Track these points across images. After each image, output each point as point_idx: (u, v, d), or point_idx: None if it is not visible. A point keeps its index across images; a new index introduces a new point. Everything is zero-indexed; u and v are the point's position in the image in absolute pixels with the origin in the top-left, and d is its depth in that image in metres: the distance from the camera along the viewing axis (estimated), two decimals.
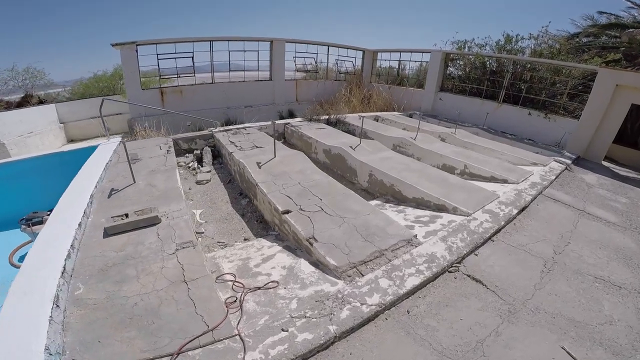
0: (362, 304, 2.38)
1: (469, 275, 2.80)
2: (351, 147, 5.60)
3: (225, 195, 5.09)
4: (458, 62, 10.62)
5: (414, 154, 6.48)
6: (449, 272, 2.82)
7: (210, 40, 10.08)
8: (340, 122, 8.14)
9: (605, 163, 7.41)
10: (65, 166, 5.57)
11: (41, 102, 13.72)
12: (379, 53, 13.09)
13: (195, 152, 6.62)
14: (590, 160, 7.38)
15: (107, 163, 5.36)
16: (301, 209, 3.57)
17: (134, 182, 4.43)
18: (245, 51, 10.44)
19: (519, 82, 9.09)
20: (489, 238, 3.37)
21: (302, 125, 7.36)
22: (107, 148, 6.19)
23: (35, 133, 11.38)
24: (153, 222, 3.45)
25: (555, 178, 5.71)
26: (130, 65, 9.78)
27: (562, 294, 2.72)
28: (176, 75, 10.48)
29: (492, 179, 5.35)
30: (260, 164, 4.73)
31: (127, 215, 3.53)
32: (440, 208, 3.97)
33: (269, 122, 7.82)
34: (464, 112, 9.84)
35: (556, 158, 6.74)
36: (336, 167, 5.85)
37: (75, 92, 14.81)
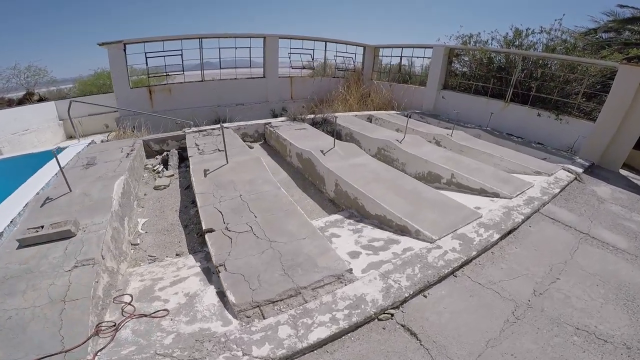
0: (244, 355, 1.86)
1: (403, 326, 2.20)
2: (322, 151, 5.02)
3: (177, 203, 4.63)
4: (463, 58, 9.77)
5: (399, 158, 5.83)
6: (379, 319, 2.23)
7: (199, 38, 9.69)
8: (327, 122, 7.55)
9: (623, 172, 6.48)
10: (32, 169, 5.30)
11: (41, 99, 13.82)
12: (380, 49, 12.35)
13: (164, 154, 6.22)
14: (606, 168, 6.47)
15: (63, 168, 5.03)
16: (227, 228, 3.07)
17: (70, 190, 4.04)
18: (236, 48, 9.99)
19: (529, 79, 8.19)
20: (450, 273, 2.73)
21: (282, 126, 6.82)
22: (73, 151, 5.90)
23: (31, 130, 11.35)
24: (65, 235, 3.12)
25: (560, 191, 4.93)
26: (118, 64, 9.53)
27: (520, 354, 2.07)
28: (165, 74, 10.18)
29: (482, 192, 4.65)
30: (207, 172, 4.24)
31: (42, 227, 3.20)
32: (403, 229, 3.36)
33: (251, 122, 7.34)
34: (468, 112, 9.02)
35: (565, 166, 5.90)
36: (307, 172, 5.30)
37: (77, 89, 14.87)
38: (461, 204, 3.84)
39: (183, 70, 10.05)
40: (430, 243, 3.08)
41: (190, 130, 6.81)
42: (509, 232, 3.63)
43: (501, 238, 3.47)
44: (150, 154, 6.59)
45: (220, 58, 9.95)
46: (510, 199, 4.40)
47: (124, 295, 2.70)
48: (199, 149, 5.34)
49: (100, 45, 9.26)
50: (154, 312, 2.39)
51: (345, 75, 12.30)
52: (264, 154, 6.48)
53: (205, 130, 6.72)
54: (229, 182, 4.00)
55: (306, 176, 5.30)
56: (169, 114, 10.00)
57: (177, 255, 3.53)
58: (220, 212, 3.38)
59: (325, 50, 11.81)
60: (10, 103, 13.74)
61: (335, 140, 5.63)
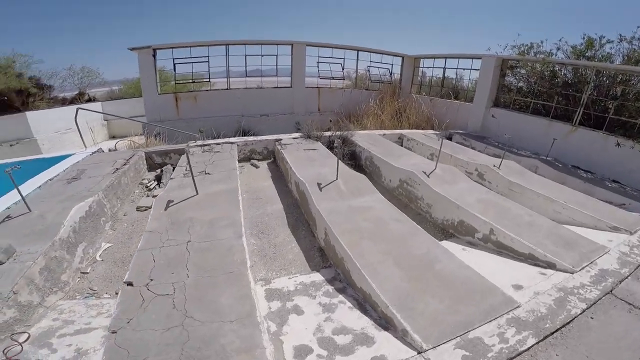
0: None
1: None
2: (319, 184, 4.07)
3: None
4: (519, 70, 8.20)
5: (423, 197, 4.67)
6: None
7: (226, 45, 9.30)
8: (348, 142, 6.56)
9: None
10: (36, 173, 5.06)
11: (89, 100, 14.57)
12: (421, 59, 11.08)
13: (159, 170, 5.72)
14: None
15: (49, 180, 4.70)
16: (148, 286, 2.39)
17: (29, 210, 3.57)
18: (262, 55, 9.45)
19: (605, 98, 6.50)
20: None
21: (291, 145, 5.99)
22: (74, 159, 5.63)
23: (74, 130, 11.86)
24: None
25: None
26: (147, 70, 9.46)
27: None
28: (191, 81, 9.96)
29: (531, 259, 3.37)
30: (170, 204, 3.52)
31: None
32: (388, 321, 2.30)
33: (261, 138, 6.62)
34: (523, 136, 7.45)
35: None
36: (303, 207, 4.38)
37: (122, 91, 15.53)
38: (490, 286, 2.65)
39: (209, 78, 9.74)
40: (417, 354, 2.00)
41: (194, 144, 6.26)
42: (555, 332, 2.40)
43: (540, 341, 2.27)
44: (152, 167, 6.15)
45: (246, 65, 9.48)
46: (572, 273, 3.09)
47: (23, 333, 2.35)
48: (185, 170, 4.69)
49: (130, 49, 9.25)
50: None
51: (380, 88, 11.20)
52: (266, 177, 5.69)
53: (208, 144, 6.13)
54: (186, 221, 3.25)
55: (302, 211, 4.39)
56: (194, 122, 9.75)
57: (115, 293, 2.94)
58: (154, 262, 2.67)
59: (357, 59, 10.84)
60: (63, 102, 14.69)
61: (343, 168, 4.67)
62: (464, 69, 9.75)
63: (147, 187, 5.35)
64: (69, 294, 3.06)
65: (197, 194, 3.69)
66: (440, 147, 5.14)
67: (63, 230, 3.27)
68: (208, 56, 9.29)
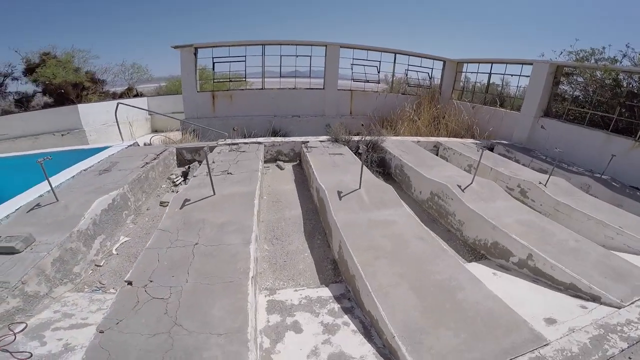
0: None
1: None
2: (339, 192, 3.83)
3: None
4: (575, 78, 7.37)
5: (455, 213, 4.26)
6: None
7: (262, 44, 9.36)
8: (378, 148, 6.26)
9: None
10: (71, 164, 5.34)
11: (137, 95, 15.47)
12: (464, 64, 10.42)
13: (187, 166, 5.80)
14: None
15: (83, 171, 4.91)
16: (146, 287, 2.33)
17: (56, 200, 3.71)
18: (297, 56, 9.39)
19: None
20: None
21: (317, 148, 5.81)
22: (110, 151, 5.88)
23: (120, 122, 12.62)
24: (8, 251, 2.81)
25: None
26: (188, 67, 9.78)
27: None
28: (228, 80, 10.14)
29: (572, 289, 2.91)
30: (187, 202, 3.47)
31: None
32: (392, 352, 2.01)
33: (288, 139, 6.51)
34: (576, 150, 6.69)
35: None
36: (322, 216, 4.17)
37: (166, 87, 16.33)
38: (517, 320, 2.25)
39: (245, 77, 9.86)
40: None
41: (223, 142, 6.30)
42: None
43: None
44: (182, 162, 6.28)
45: (280, 65, 9.47)
46: (619, 308, 2.60)
47: (21, 323, 2.38)
48: (210, 167, 4.68)
49: (174, 47, 9.61)
50: (17, 352, 2.05)
51: (418, 92, 10.69)
52: (289, 180, 5.56)
53: (236, 144, 6.13)
54: (198, 222, 3.17)
55: (321, 219, 4.18)
56: (229, 120, 9.94)
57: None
58: (158, 262, 2.62)
59: (395, 62, 10.41)
60: (114, 96, 15.74)
61: (368, 177, 4.40)
62: (512, 75, 9.00)
63: (173, 182, 5.44)
64: (79, 286, 3.12)
65: (214, 194, 3.62)
66: (480, 159, 4.68)
67: (82, 222, 3.35)
68: (245, 55, 9.41)
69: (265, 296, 2.83)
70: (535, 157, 6.92)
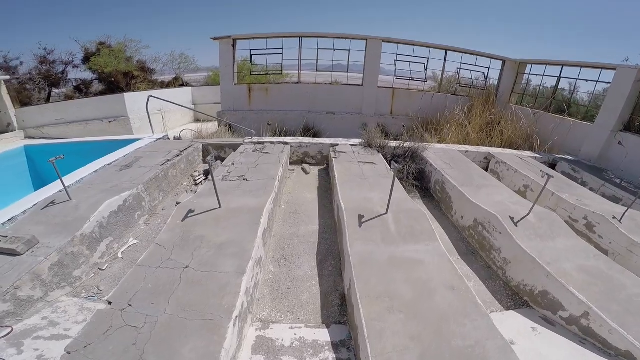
0: None
1: None
2: (361, 217, 3.31)
3: None
4: None
5: (501, 249, 3.53)
6: None
7: (300, 37, 8.94)
8: (417, 157, 5.59)
9: None
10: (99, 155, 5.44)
11: (182, 85, 15.95)
12: (527, 65, 9.15)
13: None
14: None
15: (107, 165, 4.91)
16: (123, 312, 2.16)
17: (69, 199, 3.66)
18: (335, 50, 8.84)
19: None
20: None
21: (346, 154, 5.29)
22: (138, 145, 5.89)
23: (164, 111, 13.06)
24: (10, 253, 2.77)
25: None
26: (226, 59, 9.70)
27: None
28: (265, 72, 9.91)
29: (626, 357, 2.20)
30: (190, 214, 3.18)
31: (3, 238, 2.92)
32: None
33: (316, 141, 6.07)
34: None
35: None
36: (339, 239, 3.67)
37: (210, 78, 16.63)
38: None
39: (281, 71, 9.56)
40: None
41: (250, 140, 6.04)
42: None
43: None
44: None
45: (317, 59, 9.00)
46: None
47: (7, 327, 2.35)
48: (228, 171, 4.41)
49: (212, 39, 9.57)
50: None
51: (470, 94, 9.63)
52: (313, 187, 5.13)
53: (261, 143, 5.83)
54: (196, 239, 2.86)
55: (338, 241, 3.71)
56: (263, 114, 9.76)
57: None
58: (143, 284, 2.38)
59: (445, 60, 9.43)
60: (162, 85, 16.39)
61: (399, 197, 3.81)
62: (587, 81, 7.66)
63: (195, 180, 5.30)
64: (77, 289, 3.02)
65: (220, 207, 3.31)
66: (545, 185, 3.79)
67: (87, 225, 3.23)
68: (282, 48, 9.08)
69: (257, 330, 2.49)
70: (608, 181, 5.76)
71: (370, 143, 5.67)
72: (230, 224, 3.05)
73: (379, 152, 5.52)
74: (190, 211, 3.24)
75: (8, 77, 12.49)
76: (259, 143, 5.85)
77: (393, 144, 5.75)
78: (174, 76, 16.11)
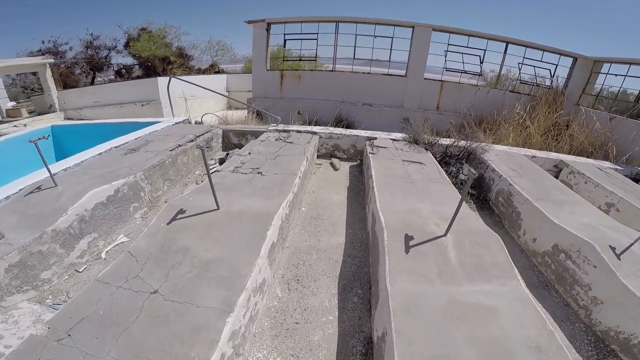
0: None
1: None
2: (409, 238, 2.36)
3: None
4: None
5: (593, 286, 2.43)
6: None
7: (336, 22, 8.01)
8: (475, 160, 4.49)
9: None
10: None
11: (218, 72, 15.61)
12: (603, 63, 7.60)
13: (226, 154, 4.90)
14: None
15: (114, 148, 4.32)
16: (59, 342, 1.48)
17: (54, 185, 3.05)
18: (375, 37, 7.80)
19: None
20: None
21: (386, 149, 4.31)
22: (155, 127, 5.32)
23: (197, 97, 12.69)
24: None
25: None
26: (259, 43, 9.01)
27: None
28: (298, 58, 9.10)
29: None
30: (179, 215, 2.40)
31: None
32: None
33: (350, 132, 5.14)
34: None
35: None
36: (373, 265, 2.73)
37: (245, 66, 16.18)
38: None
39: (316, 57, 8.70)
40: None
41: (274, 127, 5.24)
42: None
43: None
44: (228, 147, 5.45)
45: (355, 46, 8.02)
46: None
47: None
48: (241, 162, 3.62)
49: (247, 22, 8.91)
50: None
51: (532, 92, 8.21)
52: (342, 186, 4.22)
53: (287, 131, 5.00)
54: (179, 251, 2.07)
55: (370, 265, 2.77)
56: (295, 102, 8.98)
57: None
58: (94, 308, 1.65)
59: (505, 53, 8.06)
60: (199, 71, 16.17)
61: (463, 213, 2.82)
62: None
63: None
64: (44, 294, 2.41)
65: (218, 208, 2.50)
66: None
67: (63, 219, 2.58)
68: (317, 33, 8.20)
69: None
70: None
71: (416, 139, 4.64)
72: (226, 235, 2.22)
73: (427, 150, 4.48)
74: (181, 212, 2.46)
75: (53, 60, 12.75)
76: (284, 131, 5.03)
77: (445, 141, 4.68)
78: (210, 63, 15.80)
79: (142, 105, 10.89)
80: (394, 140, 4.77)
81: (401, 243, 2.29)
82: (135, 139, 4.67)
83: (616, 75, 7.64)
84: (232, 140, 5.41)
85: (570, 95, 8.12)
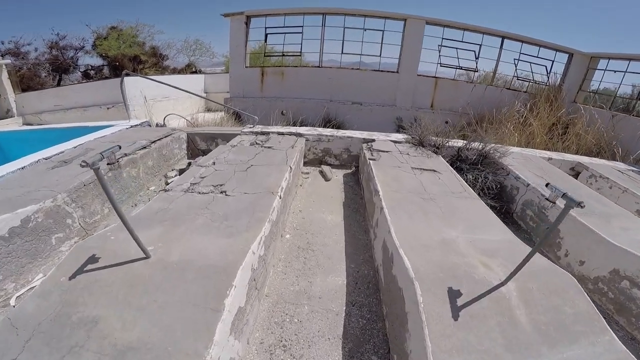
0: None
1: None
2: (454, 292, 1.49)
3: None
4: None
5: None
6: None
7: (322, 13, 7.15)
8: (493, 165, 3.68)
9: None
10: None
11: (195, 72, 14.43)
12: (600, 59, 7.12)
13: (188, 164, 3.92)
14: None
15: (43, 159, 3.26)
16: None
17: None
18: (365, 29, 6.99)
19: None
20: None
21: (388, 153, 3.45)
22: (99, 133, 4.25)
23: (170, 98, 11.49)
24: None
25: None
26: (237, 38, 8.02)
27: None
28: (281, 53, 8.16)
29: None
30: (88, 267, 1.44)
31: None
32: None
33: (342, 133, 4.25)
34: None
35: None
36: (396, 336, 1.86)
37: (225, 65, 15.07)
38: None
39: (301, 52, 7.79)
40: None
41: (250, 129, 4.29)
42: None
43: None
44: (195, 153, 4.46)
45: (343, 40, 7.17)
46: None
47: None
48: (200, 175, 2.66)
49: (223, 15, 7.90)
50: None
51: (530, 90, 7.62)
52: (336, 202, 3.33)
53: (265, 133, 4.06)
54: (80, 327, 1.16)
55: (385, 312, 1.89)
56: (277, 102, 8.02)
57: None
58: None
59: (501, 48, 7.43)
60: (174, 71, 14.93)
61: (502, 237, 1.98)
62: None
63: (167, 183, 3.60)
64: None
65: (148, 257, 1.54)
66: None
67: None
68: (302, 26, 7.30)
69: None
70: None
71: (422, 140, 3.80)
72: (157, 302, 1.29)
73: (436, 153, 3.64)
74: (93, 260, 1.50)
75: (9, 61, 11.29)
76: (262, 133, 4.09)
77: (457, 143, 3.87)
78: (187, 63, 14.61)
79: (108, 108, 9.67)
80: (395, 142, 3.90)
81: (443, 302, 1.42)
82: (74, 147, 3.62)
83: (615, 71, 7.14)
84: (200, 146, 4.43)
85: (568, 93, 7.57)
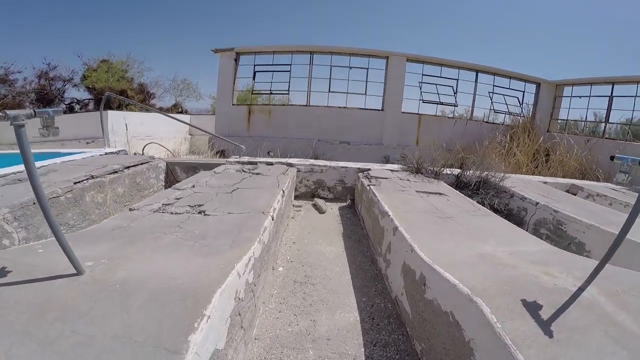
0: None
1: None
2: (536, 307, 1.07)
3: None
4: None
5: None
6: None
7: (310, 52, 7.25)
8: (490, 186, 3.43)
9: None
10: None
11: (181, 112, 14.24)
12: (564, 87, 7.50)
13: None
14: None
15: (3, 176, 2.73)
16: None
17: None
18: (351, 68, 7.11)
19: None
20: None
21: (387, 180, 3.13)
22: (70, 157, 3.75)
23: (153, 138, 11.05)
24: None
25: None
26: (226, 74, 7.94)
27: None
28: (269, 92, 8.10)
29: None
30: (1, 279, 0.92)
31: None
32: None
33: (336, 164, 3.93)
34: None
35: None
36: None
37: (212, 106, 15.03)
38: None
39: (289, 90, 7.75)
40: None
41: (236, 159, 3.91)
42: None
43: None
44: (173, 184, 3.98)
45: (330, 78, 7.22)
46: None
47: None
48: (176, 197, 2.19)
49: (213, 51, 7.88)
50: None
51: (506, 122, 7.81)
52: (334, 233, 2.90)
53: (253, 163, 3.68)
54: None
55: (420, 350, 1.40)
56: (264, 141, 7.74)
57: None
58: None
59: (476, 82, 7.72)
60: (160, 110, 14.66)
61: (535, 251, 1.62)
62: None
63: None
64: None
65: (80, 274, 1.04)
66: None
67: None
68: (290, 64, 7.34)
69: None
70: None
71: (419, 167, 3.53)
72: (75, 335, 0.77)
73: (437, 179, 3.36)
74: (2, 272, 0.98)
75: None
76: (250, 163, 3.70)
77: (453, 171, 3.66)
78: (174, 103, 14.45)
79: (87, 142, 9.07)
80: (391, 171, 3.61)
81: (523, 317, 0.99)
82: (38, 167, 3.07)
83: (580, 97, 7.45)
84: (180, 177, 3.95)
85: (542, 122, 7.79)
